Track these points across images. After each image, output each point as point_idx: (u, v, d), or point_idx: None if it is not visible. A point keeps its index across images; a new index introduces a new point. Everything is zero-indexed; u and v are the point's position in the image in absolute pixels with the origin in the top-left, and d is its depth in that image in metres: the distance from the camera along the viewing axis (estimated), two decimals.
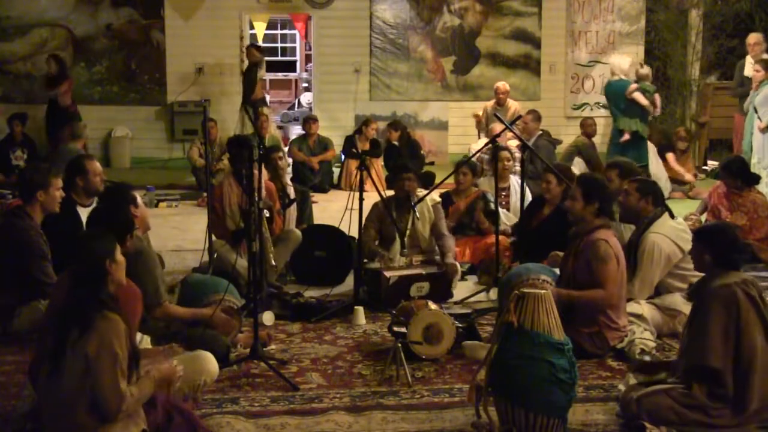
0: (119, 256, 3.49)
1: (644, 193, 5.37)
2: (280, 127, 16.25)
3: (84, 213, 5.32)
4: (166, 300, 4.76)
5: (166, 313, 4.73)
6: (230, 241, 6.31)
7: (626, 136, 10.10)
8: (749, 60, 9.83)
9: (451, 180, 7.38)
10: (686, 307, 5.19)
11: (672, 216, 5.40)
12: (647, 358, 4.74)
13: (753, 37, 9.97)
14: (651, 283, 5.30)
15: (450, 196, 7.39)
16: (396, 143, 11.67)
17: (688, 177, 10.71)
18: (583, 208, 4.98)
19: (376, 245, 6.34)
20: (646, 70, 10.38)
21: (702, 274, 4.08)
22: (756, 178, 7.59)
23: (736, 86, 10.28)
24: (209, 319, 4.77)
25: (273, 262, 5.82)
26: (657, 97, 10.27)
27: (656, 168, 10.27)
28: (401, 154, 11.13)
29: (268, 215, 5.85)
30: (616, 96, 10.34)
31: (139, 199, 4.85)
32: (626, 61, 10.75)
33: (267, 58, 12.83)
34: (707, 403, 3.81)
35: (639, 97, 10.05)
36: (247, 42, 13.11)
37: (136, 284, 4.36)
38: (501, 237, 6.34)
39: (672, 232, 5.28)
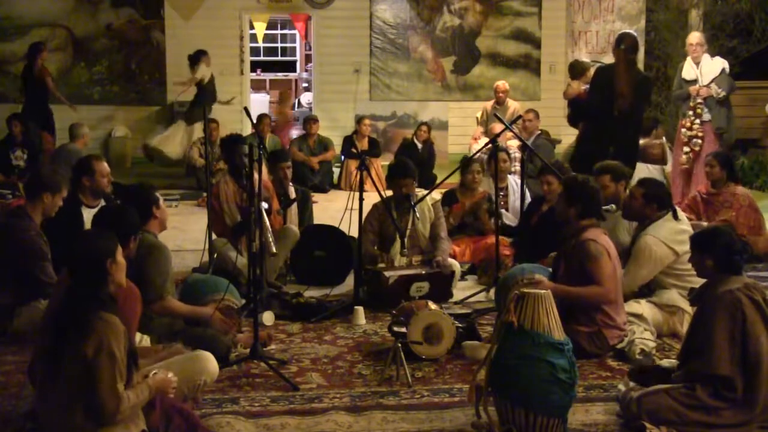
0: (120, 258, 3.44)
1: (650, 200, 5.34)
2: None
3: (89, 214, 5.30)
4: (169, 295, 4.73)
5: (166, 307, 4.71)
6: (230, 236, 6.31)
7: None
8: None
9: (452, 179, 7.36)
10: (684, 303, 5.20)
11: (676, 217, 5.37)
12: (643, 358, 4.74)
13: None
14: (634, 281, 5.30)
15: (454, 194, 7.35)
16: (417, 142, 11.55)
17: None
18: (566, 209, 4.97)
19: (375, 249, 6.29)
20: None
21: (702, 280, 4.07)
22: (736, 177, 7.67)
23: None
24: (208, 318, 4.76)
25: (274, 249, 5.76)
26: None
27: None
28: (415, 154, 11.00)
29: (266, 207, 5.82)
30: None
31: (161, 201, 4.87)
32: None
33: (267, 58, 12.78)
34: (710, 403, 3.80)
35: None
36: (247, 42, 13.05)
37: (144, 278, 4.40)
38: (501, 237, 6.33)
39: (667, 235, 5.24)
